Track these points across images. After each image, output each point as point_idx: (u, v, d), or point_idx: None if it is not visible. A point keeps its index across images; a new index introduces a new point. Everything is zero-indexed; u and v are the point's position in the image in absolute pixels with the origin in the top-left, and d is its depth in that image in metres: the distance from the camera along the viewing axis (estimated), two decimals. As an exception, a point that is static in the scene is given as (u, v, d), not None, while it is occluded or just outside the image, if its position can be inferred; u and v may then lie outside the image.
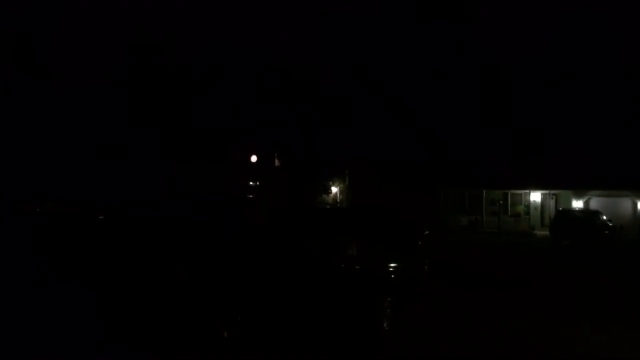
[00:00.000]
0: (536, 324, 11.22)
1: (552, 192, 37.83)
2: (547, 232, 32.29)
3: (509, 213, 38.32)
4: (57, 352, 8.29)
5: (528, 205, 38.22)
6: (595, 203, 35.96)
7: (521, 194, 38.37)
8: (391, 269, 11.43)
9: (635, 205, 35.23)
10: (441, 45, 39.24)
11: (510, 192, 38.45)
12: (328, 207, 37.75)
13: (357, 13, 39.44)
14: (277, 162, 40.75)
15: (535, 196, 38.02)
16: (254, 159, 38.41)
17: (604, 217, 31.00)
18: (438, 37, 39.27)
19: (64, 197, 28.46)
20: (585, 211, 33.64)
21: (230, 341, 8.91)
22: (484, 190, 38.62)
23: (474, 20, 39.69)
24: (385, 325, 10.32)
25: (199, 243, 12.07)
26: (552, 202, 38.10)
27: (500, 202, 38.23)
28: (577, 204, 35.98)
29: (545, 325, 11.14)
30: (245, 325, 9.33)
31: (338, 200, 42.26)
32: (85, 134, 34.13)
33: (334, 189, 42.40)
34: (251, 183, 39.59)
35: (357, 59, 39.46)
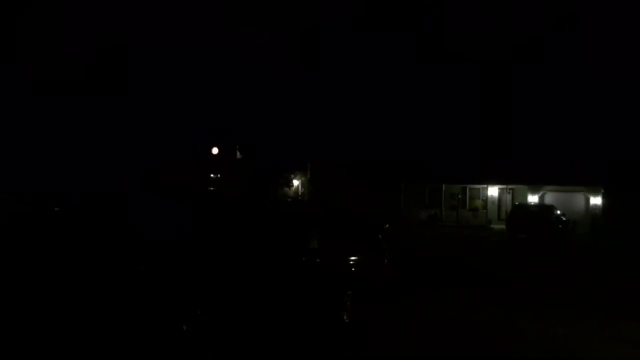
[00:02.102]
0: (492, 317, 11.49)
1: (509, 186, 38.69)
2: (503, 226, 33.01)
3: (468, 207, 39.04)
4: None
5: (486, 199, 39.00)
6: (550, 198, 36.96)
7: (479, 188, 39.12)
8: (352, 262, 11.49)
9: (587, 200, 36.34)
10: (403, 43, 39.61)
11: (468, 186, 39.16)
12: (289, 200, 37.72)
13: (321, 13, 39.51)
14: (238, 155, 40.46)
15: (493, 191, 38.81)
16: (215, 151, 38.02)
17: (558, 212, 31.88)
18: (402, 34, 39.63)
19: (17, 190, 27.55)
20: (540, 206, 34.54)
21: (188, 335, 8.82)
22: (444, 185, 39.22)
23: (439, 19, 40.20)
24: (345, 317, 10.37)
25: (155, 234, 11.83)
26: (508, 197, 38.98)
27: (459, 196, 38.90)
28: (533, 198, 36.90)
29: (500, 318, 11.41)
30: (205, 319, 9.25)
31: (300, 193, 42.27)
32: (43, 125, 33.19)
33: (296, 182, 42.39)
34: (212, 175, 39.20)
35: (321, 52, 39.48)
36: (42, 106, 33.71)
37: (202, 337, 8.83)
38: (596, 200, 35.87)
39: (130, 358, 8.08)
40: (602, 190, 35.55)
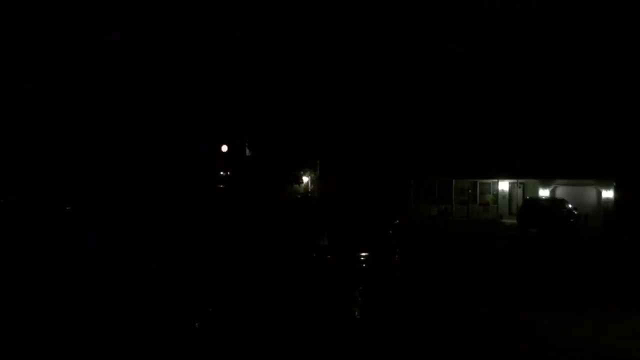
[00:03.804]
0: (503, 313, 11.45)
1: (520, 181, 38.50)
2: (514, 220, 32.84)
3: (478, 202, 38.89)
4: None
5: (496, 194, 38.83)
6: (561, 192, 36.72)
7: (490, 183, 38.95)
8: (362, 258, 11.49)
9: (599, 193, 36.08)
10: (410, 34, 39.49)
11: (479, 181, 38.99)
12: (299, 196, 37.77)
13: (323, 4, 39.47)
14: (248, 152, 40.54)
15: (504, 185, 38.64)
16: (224, 148, 38.13)
17: (570, 206, 31.67)
18: (407, 26, 39.49)
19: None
20: (551, 200, 34.32)
21: (201, 332, 8.87)
22: (454, 180, 39.09)
23: (442, 11, 40.05)
24: (356, 314, 10.38)
25: (167, 230, 11.89)
26: (519, 191, 38.79)
27: (470, 191, 38.74)
28: (544, 192, 36.68)
29: (511, 314, 11.36)
30: (217, 316, 9.29)
31: (309, 190, 42.27)
32: (50, 126, 33.34)
33: (305, 179, 42.39)
34: (222, 173, 39.31)
35: (326, 49, 39.46)
36: (46, 105, 33.88)
37: (214, 334, 8.87)
38: (608, 194, 35.61)
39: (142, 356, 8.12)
40: (614, 184, 35.27)
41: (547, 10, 38.55)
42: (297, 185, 41.32)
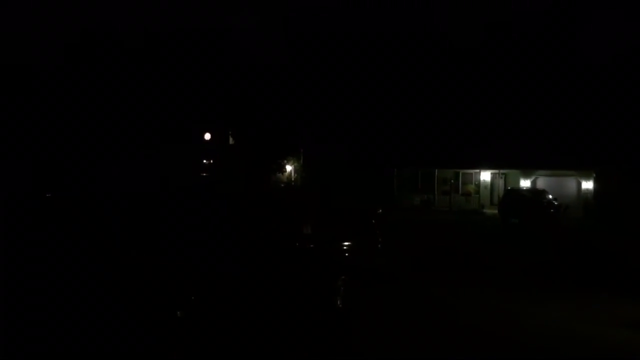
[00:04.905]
0: (486, 303, 11.56)
1: (502, 171, 38.80)
2: (496, 211, 33.12)
3: (460, 192, 39.13)
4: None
5: (478, 184, 39.10)
6: (542, 182, 37.08)
7: (472, 173, 39.21)
8: (345, 248, 11.51)
9: (579, 184, 36.51)
10: (396, 25, 39.46)
11: (461, 171, 39.23)
12: (283, 185, 37.76)
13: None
14: (231, 140, 40.36)
15: (485, 175, 38.92)
16: (207, 136, 37.93)
17: (550, 196, 31.98)
18: (393, 16, 39.44)
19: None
20: (532, 190, 34.63)
21: (183, 321, 8.83)
22: (436, 170, 39.27)
23: (434, 5, 40.05)
24: (339, 302, 10.41)
25: (150, 219, 11.79)
26: (501, 181, 39.11)
27: (452, 181, 38.96)
28: (525, 183, 37.03)
29: (495, 304, 11.47)
30: (200, 304, 9.25)
31: (293, 179, 42.24)
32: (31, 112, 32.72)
33: (289, 168, 42.34)
34: (205, 161, 39.13)
35: (312, 40, 39.30)
36: (29, 93, 33.27)
37: (196, 324, 8.84)
38: (588, 185, 36.06)
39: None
40: (594, 175, 35.71)
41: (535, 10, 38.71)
42: (280, 174, 41.28)
